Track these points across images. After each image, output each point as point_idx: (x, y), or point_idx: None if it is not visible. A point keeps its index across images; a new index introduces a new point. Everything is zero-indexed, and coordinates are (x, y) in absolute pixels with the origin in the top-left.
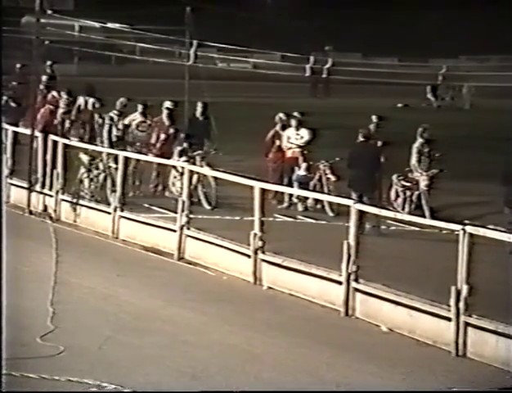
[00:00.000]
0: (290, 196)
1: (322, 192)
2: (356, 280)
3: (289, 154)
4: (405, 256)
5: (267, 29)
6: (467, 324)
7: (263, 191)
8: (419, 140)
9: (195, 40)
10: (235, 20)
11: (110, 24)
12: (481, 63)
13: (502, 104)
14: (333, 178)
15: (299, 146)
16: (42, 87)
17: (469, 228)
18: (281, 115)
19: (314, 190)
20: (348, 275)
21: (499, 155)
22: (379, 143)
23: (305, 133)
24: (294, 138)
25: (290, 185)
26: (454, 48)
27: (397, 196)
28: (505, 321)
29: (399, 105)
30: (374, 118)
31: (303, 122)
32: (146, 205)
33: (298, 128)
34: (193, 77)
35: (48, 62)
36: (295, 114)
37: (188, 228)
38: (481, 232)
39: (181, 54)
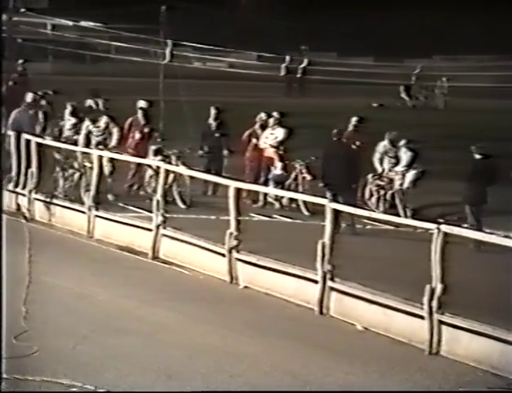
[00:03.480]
0: (265, 195)
1: (298, 191)
2: (331, 279)
3: (264, 153)
4: (380, 255)
5: (243, 28)
6: (441, 322)
7: (239, 191)
8: (384, 142)
9: (170, 39)
10: (211, 20)
11: (83, 23)
12: (455, 63)
13: (477, 104)
14: (309, 178)
15: (273, 146)
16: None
17: (443, 227)
18: (262, 114)
19: (289, 189)
20: (324, 274)
21: (472, 154)
22: (358, 143)
23: (280, 133)
24: (268, 138)
25: (266, 184)
26: (428, 48)
27: (371, 194)
28: (478, 319)
29: (374, 104)
30: (354, 119)
31: (279, 121)
32: (121, 205)
33: (273, 128)
34: (168, 76)
35: (20, 61)
36: (274, 114)
37: (164, 228)
38: (455, 231)
39: (157, 53)
